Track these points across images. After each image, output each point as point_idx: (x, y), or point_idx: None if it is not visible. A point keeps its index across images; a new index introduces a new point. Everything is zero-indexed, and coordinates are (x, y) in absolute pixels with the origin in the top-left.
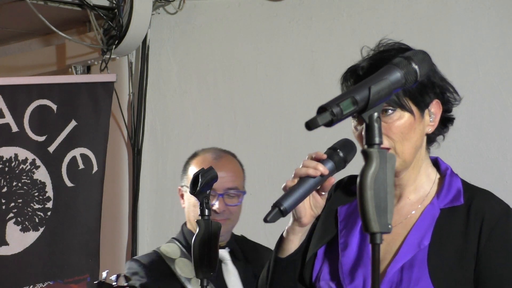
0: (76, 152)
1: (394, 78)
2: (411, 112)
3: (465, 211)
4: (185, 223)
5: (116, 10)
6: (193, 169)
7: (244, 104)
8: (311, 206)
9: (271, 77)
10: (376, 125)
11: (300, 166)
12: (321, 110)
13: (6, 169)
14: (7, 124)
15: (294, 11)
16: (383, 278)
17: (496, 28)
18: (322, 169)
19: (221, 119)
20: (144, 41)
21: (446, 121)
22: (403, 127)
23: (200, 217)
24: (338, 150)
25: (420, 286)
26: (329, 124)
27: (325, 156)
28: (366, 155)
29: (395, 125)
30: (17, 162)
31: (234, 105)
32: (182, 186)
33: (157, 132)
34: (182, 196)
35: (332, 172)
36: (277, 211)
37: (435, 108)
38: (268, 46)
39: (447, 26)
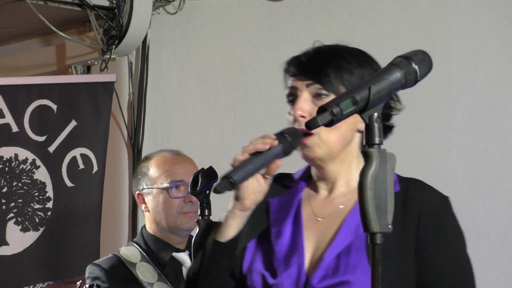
0: (76, 152)
1: (394, 78)
2: None
3: (401, 198)
4: (144, 226)
5: (116, 10)
6: (154, 169)
7: (244, 104)
8: (254, 190)
9: (271, 77)
10: (376, 125)
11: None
12: (321, 110)
13: (6, 169)
14: (7, 124)
15: (294, 11)
16: (319, 265)
17: (496, 28)
18: (270, 141)
19: (221, 119)
20: (144, 41)
21: (384, 128)
22: None
23: (200, 217)
24: (286, 135)
25: (358, 272)
26: (329, 124)
27: (273, 137)
28: (366, 155)
29: None
30: (17, 162)
31: (234, 105)
32: (142, 189)
33: (157, 132)
34: (143, 200)
35: (279, 155)
36: (227, 182)
37: None
38: (268, 46)
39: (447, 26)
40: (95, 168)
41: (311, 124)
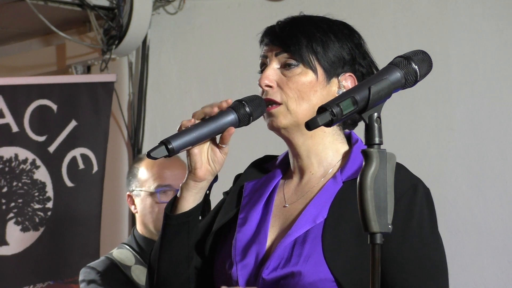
0: (76, 152)
1: (394, 78)
2: (315, 71)
3: None
4: (135, 227)
5: (116, 10)
6: (143, 171)
7: None
8: (208, 160)
9: None
10: (376, 125)
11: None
12: (321, 110)
13: (6, 169)
14: (7, 124)
15: (294, 11)
16: (272, 254)
17: (496, 28)
18: (219, 104)
19: None
20: (144, 41)
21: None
22: (301, 84)
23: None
24: (245, 103)
25: (311, 262)
26: (329, 124)
27: (230, 102)
28: (366, 155)
29: (293, 80)
30: (17, 162)
31: None
32: (132, 191)
33: (157, 132)
34: (132, 201)
35: (233, 123)
36: (163, 147)
37: (349, 82)
38: None
39: (447, 26)
40: (95, 168)
41: (311, 124)
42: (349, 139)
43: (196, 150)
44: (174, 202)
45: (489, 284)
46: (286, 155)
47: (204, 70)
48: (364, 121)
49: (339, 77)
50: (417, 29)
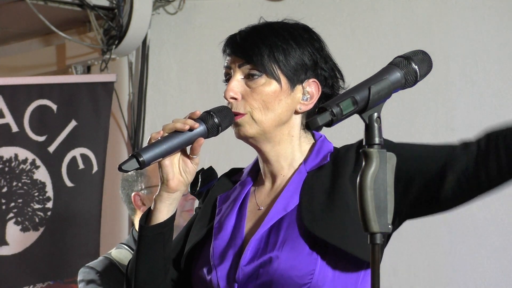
0: (76, 152)
1: (394, 78)
2: (278, 80)
3: (331, 163)
4: (133, 228)
5: (116, 10)
6: (152, 168)
7: None
8: (180, 171)
9: None
10: (376, 125)
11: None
12: (321, 110)
13: (6, 169)
14: (7, 124)
15: (294, 11)
16: (248, 245)
17: (496, 28)
18: (191, 122)
19: None
20: (144, 41)
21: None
22: (266, 95)
23: None
24: (213, 114)
25: (286, 248)
26: (329, 124)
27: (198, 114)
28: (366, 155)
29: (257, 90)
30: (17, 162)
31: None
32: (139, 191)
33: None
34: (141, 201)
35: (202, 134)
36: (134, 160)
37: (313, 88)
38: None
39: (447, 26)
40: (95, 168)
41: (311, 124)
42: (314, 137)
43: (167, 162)
44: (148, 214)
45: (489, 284)
46: (255, 162)
47: (204, 70)
48: (364, 121)
49: (303, 84)
50: (417, 29)
